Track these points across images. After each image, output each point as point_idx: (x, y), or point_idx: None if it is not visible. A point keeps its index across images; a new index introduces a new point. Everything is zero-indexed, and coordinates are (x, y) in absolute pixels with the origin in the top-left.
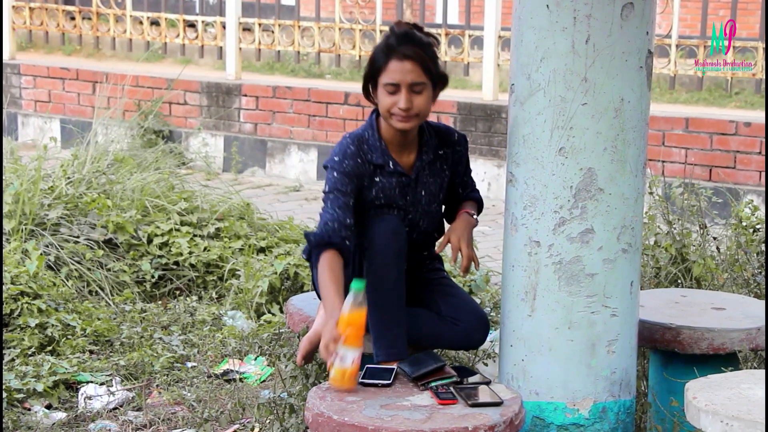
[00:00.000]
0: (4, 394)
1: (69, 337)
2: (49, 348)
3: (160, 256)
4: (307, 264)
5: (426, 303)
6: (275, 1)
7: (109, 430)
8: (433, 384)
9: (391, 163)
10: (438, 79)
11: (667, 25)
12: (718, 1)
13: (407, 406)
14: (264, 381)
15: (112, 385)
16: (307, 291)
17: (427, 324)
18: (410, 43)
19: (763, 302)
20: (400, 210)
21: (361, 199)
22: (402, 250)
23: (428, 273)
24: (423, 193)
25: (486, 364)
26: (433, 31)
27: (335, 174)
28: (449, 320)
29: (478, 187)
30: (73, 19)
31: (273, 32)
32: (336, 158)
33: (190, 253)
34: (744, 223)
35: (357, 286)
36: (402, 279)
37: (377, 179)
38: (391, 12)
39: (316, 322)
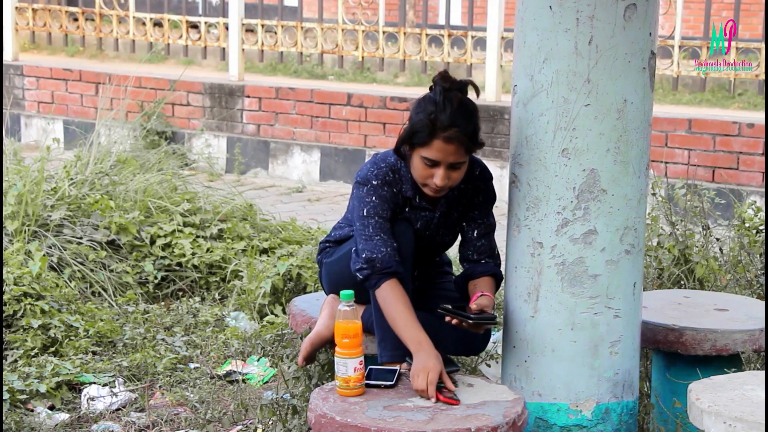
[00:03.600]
0: (7, 395)
1: (72, 338)
2: (52, 349)
3: (162, 257)
4: (309, 265)
5: (429, 307)
6: (278, 2)
7: (112, 431)
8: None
9: (418, 198)
10: (476, 148)
11: (670, 26)
12: (721, 2)
13: (410, 407)
14: (267, 382)
15: (115, 386)
16: (310, 292)
17: (429, 327)
18: (459, 125)
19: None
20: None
21: None
22: (409, 253)
23: (436, 276)
24: (442, 224)
25: (489, 365)
26: (435, 32)
27: (374, 198)
28: (450, 326)
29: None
30: (76, 20)
31: (276, 33)
32: (375, 182)
33: (193, 254)
34: (747, 225)
35: (347, 296)
36: (408, 281)
37: (406, 209)
38: (394, 13)
39: (318, 323)
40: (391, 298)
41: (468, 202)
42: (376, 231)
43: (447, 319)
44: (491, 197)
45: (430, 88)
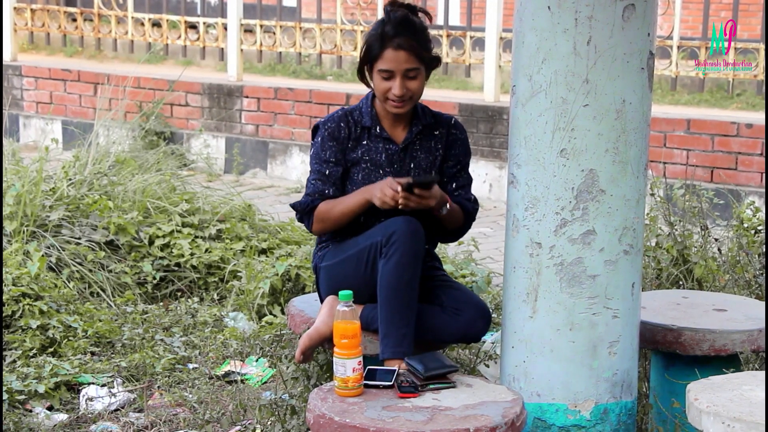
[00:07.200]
0: (6, 396)
1: (70, 338)
2: (51, 349)
3: (161, 258)
4: (308, 266)
5: (428, 297)
6: (277, 3)
7: (111, 431)
8: (433, 384)
9: (378, 127)
10: (431, 62)
11: (668, 26)
12: (720, 2)
13: (409, 408)
14: (265, 382)
15: (114, 387)
16: (309, 292)
17: (429, 316)
18: (405, 33)
19: (764, 303)
20: (387, 175)
21: (347, 159)
22: (420, 253)
23: (428, 270)
24: (412, 165)
25: (487, 366)
26: (434, 32)
27: (318, 138)
28: (451, 311)
29: (480, 191)
30: (74, 20)
31: (274, 34)
32: (322, 120)
33: (192, 254)
34: (745, 225)
35: (345, 296)
36: (416, 280)
37: (364, 142)
38: None
39: (318, 320)
40: (325, 210)
41: (444, 152)
42: (313, 176)
43: (401, 204)
44: (468, 150)
45: None
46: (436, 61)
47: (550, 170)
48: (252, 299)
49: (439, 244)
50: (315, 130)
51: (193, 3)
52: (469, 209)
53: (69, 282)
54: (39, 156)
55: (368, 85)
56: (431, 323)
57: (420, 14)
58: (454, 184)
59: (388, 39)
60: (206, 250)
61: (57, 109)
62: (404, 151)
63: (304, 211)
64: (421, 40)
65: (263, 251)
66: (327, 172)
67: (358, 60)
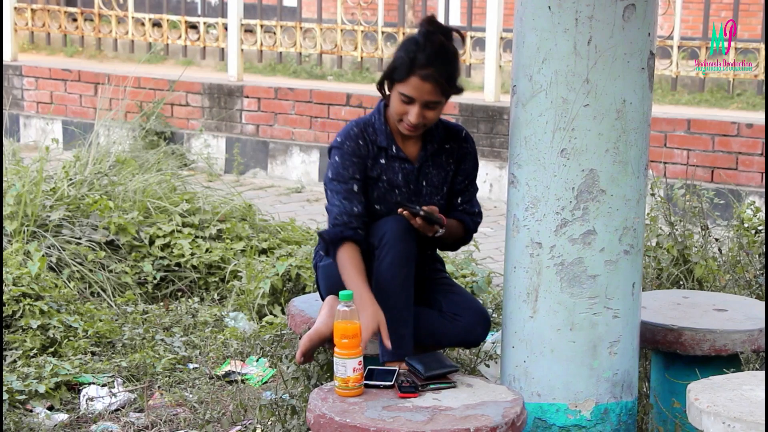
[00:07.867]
0: (6, 396)
1: (71, 338)
2: (51, 349)
3: (161, 258)
4: (308, 266)
5: (427, 301)
6: (277, 3)
7: (111, 431)
8: (433, 384)
9: (394, 147)
10: (454, 91)
11: (668, 26)
12: (720, 2)
13: (409, 408)
14: (266, 382)
15: (114, 387)
16: (309, 292)
17: (428, 321)
18: (437, 65)
19: (764, 303)
20: (403, 195)
21: (365, 179)
22: (413, 251)
23: (430, 273)
24: (424, 183)
25: (488, 366)
26: None
27: (337, 158)
28: (450, 316)
29: (480, 191)
30: (75, 20)
31: (275, 33)
32: (339, 139)
33: (192, 254)
34: (746, 225)
35: (345, 296)
36: (411, 280)
37: (382, 161)
38: (393, 13)
39: (318, 321)
40: (342, 264)
41: (456, 166)
42: (337, 196)
43: (399, 210)
44: (476, 164)
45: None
46: (459, 92)
47: (550, 170)
48: (252, 299)
49: None
50: (331, 150)
51: (193, 3)
52: (469, 225)
53: (69, 282)
54: (39, 156)
55: (384, 96)
56: (430, 328)
57: (455, 35)
58: (459, 199)
59: (419, 67)
60: (207, 250)
61: (57, 109)
62: (419, 170)
63: (333, 241)
64: (450, 72)
65: (263, 251)
66: (355, 188)
67: (383, 71)
